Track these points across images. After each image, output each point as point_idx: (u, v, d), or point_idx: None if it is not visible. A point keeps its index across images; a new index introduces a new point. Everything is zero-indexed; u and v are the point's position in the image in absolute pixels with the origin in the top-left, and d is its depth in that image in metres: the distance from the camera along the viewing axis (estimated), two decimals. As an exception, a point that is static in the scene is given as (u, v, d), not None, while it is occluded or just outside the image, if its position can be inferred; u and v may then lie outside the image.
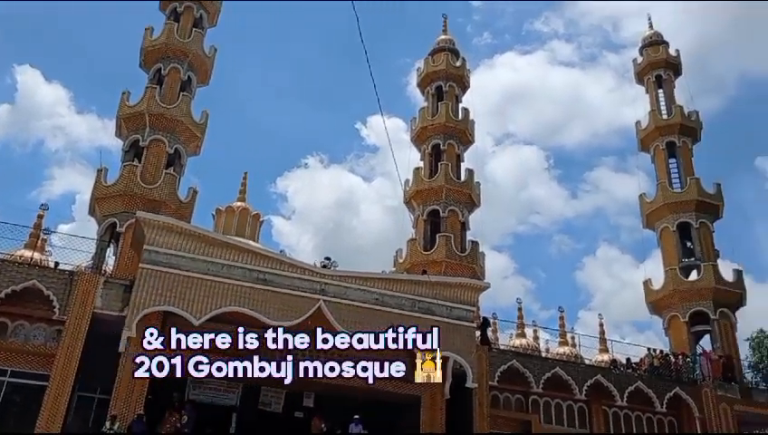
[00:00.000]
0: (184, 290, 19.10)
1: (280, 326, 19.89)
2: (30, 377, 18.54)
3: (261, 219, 30.32)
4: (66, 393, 17.72)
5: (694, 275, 30.63)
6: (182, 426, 17.91)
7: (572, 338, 29.97)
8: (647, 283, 31.70)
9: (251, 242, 25.14)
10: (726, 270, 30.54)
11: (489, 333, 25.45)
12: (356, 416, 20.45)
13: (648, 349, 28.27)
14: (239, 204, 29.78)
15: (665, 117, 34.96)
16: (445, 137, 31.96)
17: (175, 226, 20.03)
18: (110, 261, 23.46)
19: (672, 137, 34.08)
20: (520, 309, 30.15)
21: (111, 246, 23.94)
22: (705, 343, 29.51)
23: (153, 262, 19.20)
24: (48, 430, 17.12)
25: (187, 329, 19.51)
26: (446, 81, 33.85)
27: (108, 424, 16.91)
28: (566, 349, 28.45)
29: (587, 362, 27.19)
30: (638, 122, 35.93)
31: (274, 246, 28.19)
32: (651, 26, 38.59)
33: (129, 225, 22.17)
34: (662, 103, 35.87)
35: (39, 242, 27.36)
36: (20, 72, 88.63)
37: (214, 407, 20.61)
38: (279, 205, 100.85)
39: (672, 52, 37.21)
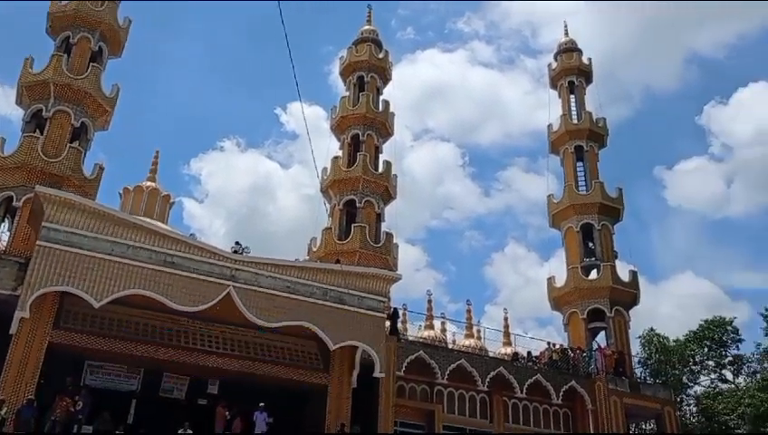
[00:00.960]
0: (85, 270, 18.18)
1: (186, 311, 19.57)
2: None
3: (171, 201, 29.33)
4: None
5: (594, 275, 32.19)
6: (76, 412, 17.04)
7: (478, 331, 30.84)
8: (550, 280, 33.05)
9: (159, 223, 24.25)
10: (623, 271, 32.35)
11: (399, 324, 25.78)
12: (261, 404, 20.22)
13: (548, 343, 29.57)
14: (149, 184, 28.65)
15: (575, 122, 36.48)
16: (364, 127, 32.02)
17: (77, 203, 18.99)
18: (3, 237, 22.02)
19: (581, 141, 35.62)
20: (430, 301, 30.72)
21: (6, 221, 22.49)
22: (601, 339, 31.13)
23: (52, 240, 18.15)
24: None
25: (86, 311, 18.83)
26: (368, 71, 33.90)
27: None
28: (472, 341, 29.24)
29: (491, 354, 28.07)
30: (549, 125, 37.32)
31: (185, 230, 27.36)
32: (567, 33, 40.13)
33: (27, 199, 20.86)
34: (573, 109, 37.40)
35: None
36: None
37: (112, 393, 19.82)
38: (192, 187, 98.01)
39: (585, 60, 38.85)
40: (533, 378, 26.11)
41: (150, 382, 20.51)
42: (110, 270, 18.52)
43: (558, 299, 32.31)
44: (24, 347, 17.49)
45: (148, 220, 23.18)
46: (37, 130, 23.55)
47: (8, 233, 22.07)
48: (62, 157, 22.92)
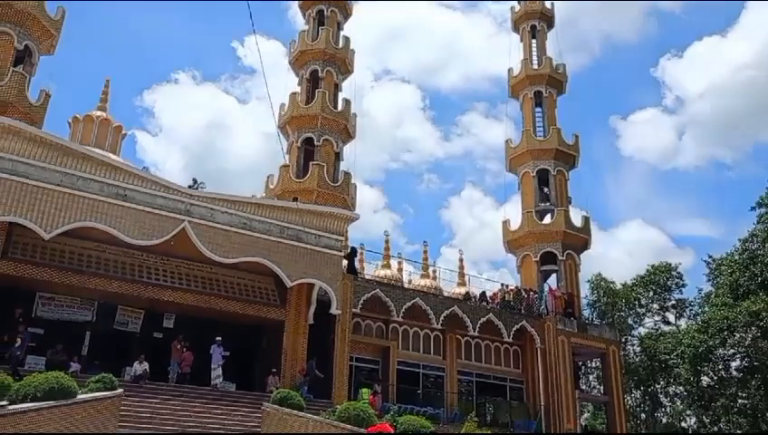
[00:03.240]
0: (33, 201, 17.57)
1: (140, 245, 19.20)
2: None
3: (123, 132, 28.23)
4: None
5: (548, 219, 32.81)
6: (14, 349, 16.49)
7: (434, 271, 31.28)
8: (505, 223, 33.57)
9: (111, 155, 23.41)
10: (576, 216, 33.06)
11: (356, 263, 25.91)
12: (217, 338, 20.24)
13: (502, 284, 30.24)
14: (99, 113, 27.44)
15: (535, 67, 36.44)
16: (324, 63, 31.28)
17: (23, 130, 18.13)
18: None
19: (540, 87, 35.68)
20: (387, 241, 30.88)
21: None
22: (552, 281, 32.00)
23: (-3, 168, 17.40)
24: None
25: (36, 242, 18.28)
26: (329, 4, 32.90)
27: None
28: (428, 281, 29.65)
29: (446, 294, 28.58)
30: (510, 69, 37.23)
31: (138, 163, 26.51)
32: (531, -23, 39.52)
33: (-31, 125, 19.80)
34: (534, 54, 37.29)
35: None
36: None
37: (66, 324, 19.47)
38: (144, 120, 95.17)
39: (548, 4, 38.57)
40: (486, 317, 26.81)
41: (105, 315, 20.22)
42: (60, 201, 17.97)
43: (512, 242, 32.91)
44: (-30, 277, 16.93)
45: (99, 151, 22.36)
46: (-23, 53, 22.22)
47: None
48: (5, 81, 21.73)
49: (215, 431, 16.36)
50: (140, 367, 18.34)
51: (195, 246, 19.81)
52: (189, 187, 20.70)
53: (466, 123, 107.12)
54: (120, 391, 14.81)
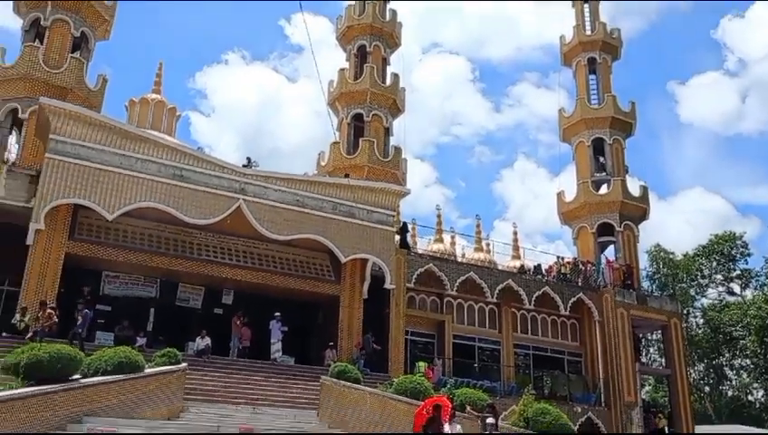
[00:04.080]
0: (95, 183, 18.21)
1: (198, 224, 19.66)
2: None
3: (177, 114, 28.86)
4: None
5: (604, 189, 32.02)
6: (75, 327, 16.75)
7: (487, 245, 30.92)
8: (560, 195, 32.90)
9: (166, 136, 23.98)
10: (634, 186, 32.13)
11: (408, 237, 25.89)
12: (276, 313, 20.62)
13: (557, 257, 29.74)
14: (154, 96, 28.10)
15: (588, 33, 35.29)
16: (371, 38, 31.05)
17: (83, 115, 18.75)
18: (12, 149, 21.80)
19: (593, 53, 34.59)
20: (439, 216, 30.60)
21: (14, 133, 22.22)
22: (609, 253, 31.29)
23: (60, 152, 18.05)
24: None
25: (100, 223, 18.94)
26: (375, -21, 32.49)
27: (18, 316, 16.26)
28: (481, 255, 29.35)
29: (500, 267, 28.29)
30: (562, 36, 36.18)
31: (192, 144, 27.04)
32: (583, -61, 38.16)
33: (33, 111, 20.49)
34: (587, 20, 36.11)
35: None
36: None
37: (131, 300, 20.20)
38: (197, 101, 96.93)
39: (601, -33, 37.18)
40: (541, 290, 26.48)
41: (167, 292, 20.89)
42: (121, 183, 18.56)
43: (567, 214, 32.27)
44: (42, 257, 17.71)
45: (155, 133, 22.95)
46: (37, 40, 22.87)
47: (17, 145, 21.86)
48: (64, 68, 22.35)
49: (276, 403, 16.75)
50: (203, 342, 18.87)
51: (250, 224, 20.19)
52: (243, 166, 21.06)
53: (518, 94, 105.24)
54: (184, 365, 15.26)
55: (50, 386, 11.65)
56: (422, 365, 21.44)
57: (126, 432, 11.51)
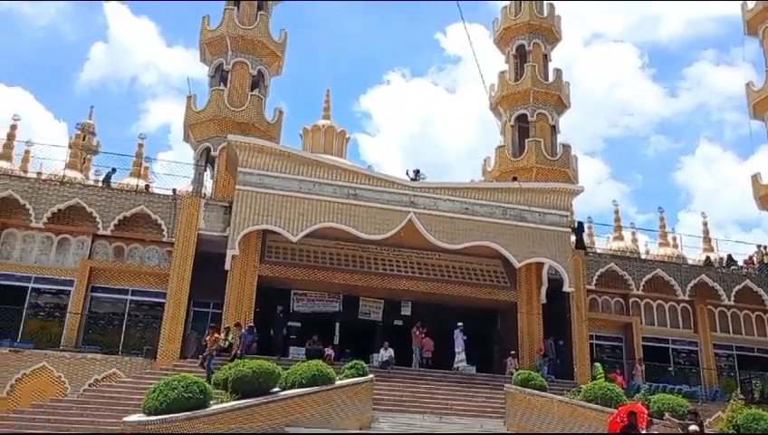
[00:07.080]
0: (279, 209, 19.79)
1: (373, 239, 20.51)
2: (149, 295, 20.30)
3: (347, 137, 30.40)
4: (183, 308, 19.18)
5: (809, 166, 28.44)
6: (245, 345, 17.74)
7: (674, 239, 28.86)
8: (755, 177, 29.65)
9: (338, 159, 25.36)
10: None
11: (584, 237, 24.87)
12: (459, 323, 20.82)
13: (759, 246, 26.90)
14: (324, 122, 29.87)
15: (776, -6, 31.66)
16: (530, 36, 30.38)
17: (266, 147, 20.53)
18: (208, 185, 24.34)
19: (785, 16, 30.92)
20: (616, 212, 29.17)
21: (208, 169, 24.78)
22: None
23: (248, 183, 19.86)
24: (170, 340, 18.67)
25: (286, 246, 20.48)
26: (529, -24, 31.79)
27: (222, 335, 18.03)
28: (667, 250, 27.46)
29: (690, 262, 26.21)
30: (743, 2, 32.76)
31: (362, 164, 28.31)
32: None
33: (222, 148, 22.77)
34: (773, -21, 32.42)
35: (142, 170, 28.87)
36: (109, 10, 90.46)
37: (318, 316, 21.56)
38: (363, 123, 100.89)
39: None
40: (742, 284, 24.10)
41: (349, 306, 21.99)
42: (301, 206, 19.97)
43: (765, 197, 29.06)
44: (239, 281, 19.59)
45: (328, 157, 24.34)
46: (221, 84, 25.33)
47: (211, 181, 24.36)
48: (245, 105, 24.52)
49: (461, 412, 16.88)
50: (386, 353, 19.57)
51: (422, 236, 20.67)
52: (411, 178, 21.63)
53: (694, 75, 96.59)
54: (371, 376, 15.93)
55: (253, 399, 12.82)
56: (599, 366, 20.33)
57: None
